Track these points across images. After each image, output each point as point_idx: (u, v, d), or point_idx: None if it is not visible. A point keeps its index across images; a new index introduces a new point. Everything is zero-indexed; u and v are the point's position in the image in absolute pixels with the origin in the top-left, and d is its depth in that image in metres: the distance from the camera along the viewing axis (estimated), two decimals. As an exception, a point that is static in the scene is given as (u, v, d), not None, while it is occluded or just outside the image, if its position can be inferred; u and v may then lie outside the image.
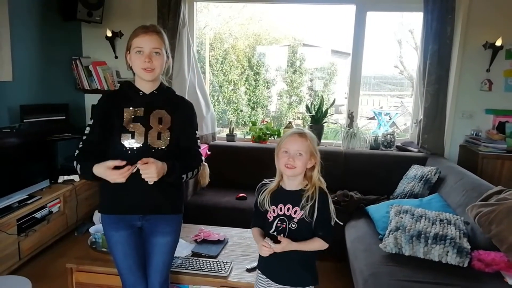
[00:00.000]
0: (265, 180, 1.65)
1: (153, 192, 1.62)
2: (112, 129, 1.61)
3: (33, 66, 3.29)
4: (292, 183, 1.57)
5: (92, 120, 1.65)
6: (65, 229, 3.18)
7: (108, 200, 1.69)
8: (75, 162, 1.61)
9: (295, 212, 1.52)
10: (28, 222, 2.78)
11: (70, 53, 3.76)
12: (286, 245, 1.47)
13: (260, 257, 1.65)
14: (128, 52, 1.62)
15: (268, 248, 1.47)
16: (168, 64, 1.68)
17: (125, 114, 1.62)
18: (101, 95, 3.85)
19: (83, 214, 3.37)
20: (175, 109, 1.68)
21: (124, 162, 1.48)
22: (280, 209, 1.55)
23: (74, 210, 3.24)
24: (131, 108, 1.63)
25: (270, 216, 1.58)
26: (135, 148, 1.59)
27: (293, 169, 1.51)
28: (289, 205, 1.54)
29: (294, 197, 1.54)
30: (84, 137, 1.64)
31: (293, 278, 1.57)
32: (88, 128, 1.64)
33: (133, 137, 1.59)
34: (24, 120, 3.06)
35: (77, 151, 1.63)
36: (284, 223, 1.53)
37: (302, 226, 1.52)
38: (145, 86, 1.66)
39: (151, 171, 1.47)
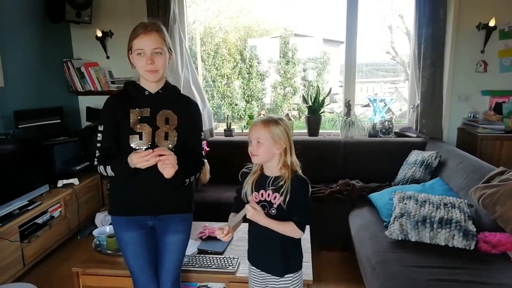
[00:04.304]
0: (248, 165, 1.65)
1: (163, 192, 1.62)
2: (120, 131, 1.60)
3: (24, 71, 3.24)
4: (269, 169, 1.57)
5: (102, 126, 1.62)
6: (68, 233, 3.16)
7: (119, 201, 1.67)
8: (101, 167, 1.58)
9: (274, 198, 1.52)
10: (30, 228, 2.76)
11: (61, 55, 3.71)
12: (258, 215, 1.47)
13: (248, 249, 1.67)
14: (130, 52, 1.59)
15: (251, 207, 1.47)
16: (171, 60, 1.65)
17: (131, 115, 1.60)
18: (95, 96, 3.87)
19: (84, 217, 3.35)
20: (181, 109, 1.66)
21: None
22: (262, 195, 1.55)
23: (76, 214, 3.22)
24: (137, 108, 1.61)
25: (252, 202, 1.56)
26: (143, 149, 1.56)
27: (255, 157, 1.53)
28: (269, 191, 1.53)
29: (273, 183, 1.54)
30: (98, 145, 1.62)
31: (273, 265, 1.58)
32: (99, 135, 1.62)
33: (140, 138, 1.58)
34: (19, 126, 3.02)
35: (96, 159, 1.62)
36: (266, 209, 1.53)
37: (281, 211, 1.51)
38: (151, 85, 1.64)
39: (171, 158, 1.47)
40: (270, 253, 1.57)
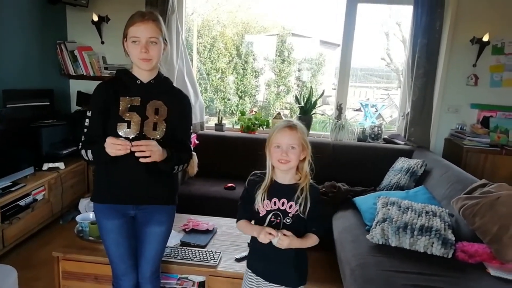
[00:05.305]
0: (255, 172, 1.59)
1: (147, 182, 1.62)
2: (108, 118, 1.58)
3: (16, 50, 3.19)
4: (285, 177, 1.52)
5: (91, 112, 1.61)
6: (50, 217, 3.13)
7: (102, 189, 1.67)
8: (83, 151, 1.58)
9: (290, 207, 1.48)
10: (12, 210, 2.72)
11: (54, 37, 3.65)
12: (291, 241, 1.40)
13: (251, 255, 1.62)
14: (125, 39, 1.59)
15: (274, 237, 1.38)
16: (166, 51, 1.65)
17: (121, 102, 1.59)
18: (87, 81, 3.82)
19: (68, 202, 3.33)
20: (172, 101, 1.66)
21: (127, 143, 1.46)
22: (274, 203, 1.49)
23: (59, 198, 3.19)
24: (127, 97, 1.60)
25: (262, 210, 1.51)
26: (130, 137, 1.56)
27: (287, 164, 1.46)
28: (283, 200, 1.49)
29: (288, 191, 1.49)
30: (85, 130, 1.61)
31: (286, 277, 1.53)
32: (87, 121, 1.61)
33: (128, 127, 1.57)
34: (7, 106, 2.97)
35: (80, 144, 1.61)
36: (279, 218, 1.49)
37: (297, 221, 1.48)
38: (143, 74, 1.63)
39: (151, 147, 1.47)
40: (283, 264, 1.52)
